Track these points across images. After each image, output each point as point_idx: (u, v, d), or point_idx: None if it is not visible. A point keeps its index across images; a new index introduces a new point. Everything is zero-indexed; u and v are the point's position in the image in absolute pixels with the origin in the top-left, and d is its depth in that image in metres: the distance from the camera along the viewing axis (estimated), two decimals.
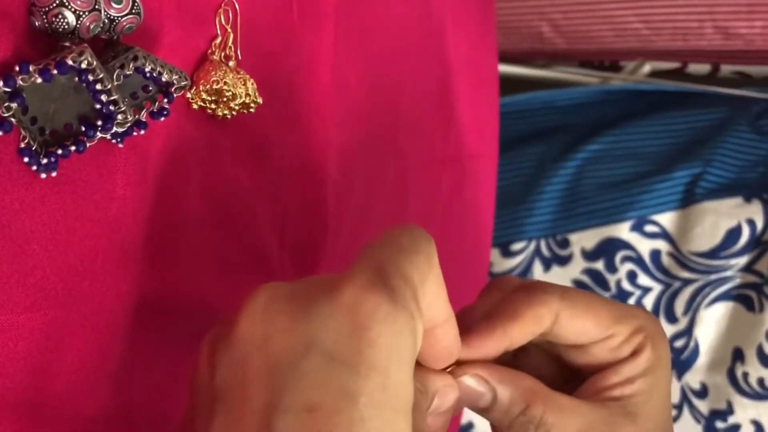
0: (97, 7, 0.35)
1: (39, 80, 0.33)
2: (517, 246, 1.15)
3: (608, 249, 1.12)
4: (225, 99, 0.45)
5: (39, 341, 0.38)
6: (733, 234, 1.07)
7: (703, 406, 1.10)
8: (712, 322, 1.09)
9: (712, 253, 1.08)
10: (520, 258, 1.15)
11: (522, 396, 0.42)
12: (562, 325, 0.42)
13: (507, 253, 1.17)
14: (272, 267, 0.51)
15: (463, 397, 0.42)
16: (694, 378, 1.11)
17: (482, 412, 0.43)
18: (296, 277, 0.52)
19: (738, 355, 1.08)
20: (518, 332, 0.42)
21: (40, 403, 0.38)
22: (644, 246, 1.11)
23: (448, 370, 0.41)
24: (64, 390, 0.39)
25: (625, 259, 1.12)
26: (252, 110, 0.46)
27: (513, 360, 0.45)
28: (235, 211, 0.47)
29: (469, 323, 0.43)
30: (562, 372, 0.45)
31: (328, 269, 0.55)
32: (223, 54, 0.45)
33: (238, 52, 0.46)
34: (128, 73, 0.36)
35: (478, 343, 0.42)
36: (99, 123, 0.36)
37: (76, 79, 0.35)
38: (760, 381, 1.05)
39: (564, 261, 1.14)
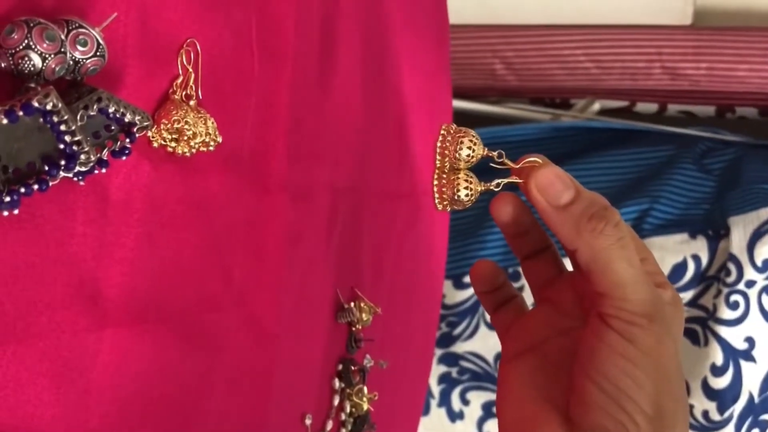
0: (62, 50, 0.36)
1: (5, 121, 0.34)
2: (469, 278, 1.17)
3: None
4: (186, 137, 0.45)
5: None
6: (679, 269, 1.10)
7: None
8: None
9: None
10: (472, 290, 1.16)
11: (598, 197, 0.44)
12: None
13: (460, 285, 1.18)
14: (222, 305, 0.51)
15: (549, 185, 0.44)
16: None
17: (559, 210, 0.44)
18: (245, 320, 0.53)
19: None
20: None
21: None
22: None
23: None
24: (21, 424, 0.39)
25: None
26: (211, 148, 0.47)
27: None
28: (186, 255, 0.48)
29: None
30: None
31: (279, 308, 0.56)
32: (184, 93, 0.46)
33: (199, 92, 0.47)
34: (92, 113, 0.37)
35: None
36: (62, 162, 0.37)
37: (41, 119, 0.35)
38: (705, 413, 1.07)
39: None
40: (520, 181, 0.46)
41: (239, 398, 0.53)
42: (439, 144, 0.48)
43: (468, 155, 0.47)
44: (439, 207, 0.48)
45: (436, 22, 0.82)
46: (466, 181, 0.47)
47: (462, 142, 0.47)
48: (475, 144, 0.47)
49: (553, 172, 0.44)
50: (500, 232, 1.19)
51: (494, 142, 1.24)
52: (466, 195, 0.47)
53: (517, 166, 0.46)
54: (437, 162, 0.48)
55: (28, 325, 0.39)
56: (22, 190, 0.36)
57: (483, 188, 0.47)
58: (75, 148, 0.37)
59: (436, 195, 0.48)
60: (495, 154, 0.47)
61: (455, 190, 0.47)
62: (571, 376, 0.44)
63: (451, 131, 0.47)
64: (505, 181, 0.47)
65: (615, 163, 1.20)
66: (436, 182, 0.48)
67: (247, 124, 0.51)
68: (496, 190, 0.47)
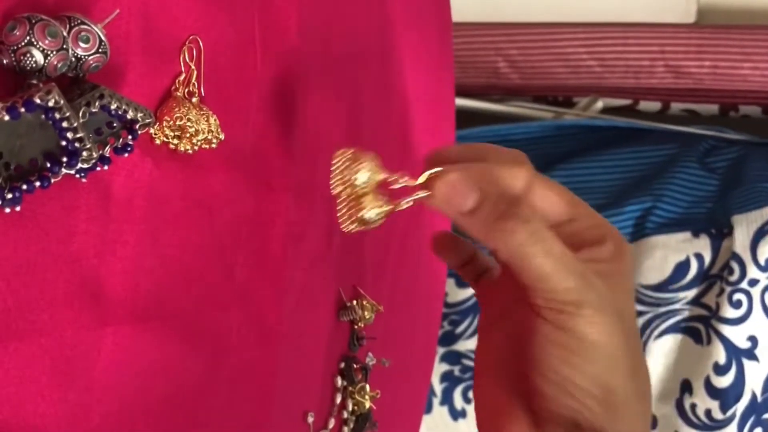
0: (65, 46, 0.36)
1: (6, 118, 0.34)
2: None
3: None
4: (188, 135, 0.45)
5: None
6: (682, 268, 1.10)
7: None
8: (661, 354, 1.11)
9: (662, 287, 1.10)
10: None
11: (507, 195, 0.43)
12: (536, 193, 0.44)
13: (462, 284, 1.18)
14: (225, 303, 0.51)
15: (452, 194, 0.43)
16: None
17: (466, 217, 0.43)
18: (248, 318, 0.53)
19: (686, 387, 1.10)
20: (493, 177, 0.44)
21: None
22: None
23: None
24: (22, 421, 0.39)
25: None
26: (214, 145, 0.47)
27: None
28: (189, 253, 0.48)
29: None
30: None
31: (281, 306, 0.56)
32: (186, 90, 0.46)
33: (201, 89, 0.47)
34: (94, 110, 0.37)
35: (461, 169, 0.44)
36: (64, 159, 0.37)
37: (43, 116, 0.35)
38: (708, 412, 1.07)
39: None
40: (428, 193, 0.44)
41: (241, 396, 0.53)
42: (334, 169, 0.47)
43: (365, 181, 0.46)
44: (350, 227, 0.47)
45: (439, 20, 0.82)
46: (375, 201, 0.46)
47: (359, 168, 0.46)
48: (373, 169, 0.46)
49: (452, 180, 0.43)
50: None
51: (497, 140, 1.24)
52: (377, 214, 0.46)
53: (418, 182, 0.45)
54: (334, 187, 0.47)
55: (29, 323, 0.39)
56: (24, 187, 0.36)
57: (393, 207, 0.46)
58: (77, 145, 0.37)
59: (345, 217, 0.47)
60: (396, 176, 0.46)
61: (364, 212, 0.46)
62: (524, 366, 0.44)
63: (348, 156, 0.47)
64: (413, 198, 0.46)
65: (618, 162, 1.20)
66: (341, 208, 0.47)
67: (250, 121, 0.51)
68: (406, 206, 0.46)
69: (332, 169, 0.47)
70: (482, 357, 0.48)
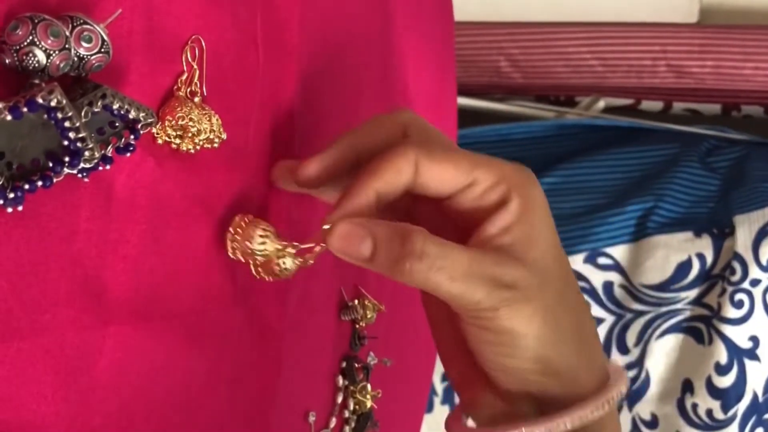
0: (67, 46, 0.36)
1: (9, 117, 0.34)
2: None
3: None
4: (190, 134, 0.45)
5: (0, 373, 0.38)
6: (684, 267, 1.10)
7: None
8: (662, 354, 1.11)
9: (663, 286, 1.10)
10: None
11: (400, 231, 0.42)
12: (423, 174, 0.44)
13: None
14: (227, 302, 0.51)
15: (346, 246, 0.43)
16: (644, 408, 1.13)
17: (368, 263, 0.44)
18: (249, 318, 0.53)
19: (688, 387, 1.10)
20: (382, 185, 0.44)
21: None
22: (597, 278, 1.13)
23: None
24: (24, 421, 0.39)
25: None
26: (216, 145, 0.47)
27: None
28: (190, 252, 0.48)
29: None
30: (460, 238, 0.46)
31: (283, 306, 0.56)
32: (188, 90, 0.46)
33: (203, 88, 0.47)
34: (96, 110, 0.37)
35: (346, 202, 0.44)
36: (66, 159, 0.37)
37: (45, 116, 0.35)
38: (709, 412, 1.07)
39: None
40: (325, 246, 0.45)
41: (242, 396, 0.53)
42: (229, 237, 0.48)
43: (261, 249, 0.47)
44: (268, 279, 0.49)
45: (441, 19, 0.82)
46: (281, 251, 0.47)
47: (253, 235, 0.47)
48: (267, 236, 0.47)
49: (342, 233, 0.43)
50: None
51: (499, 139, 1.24)
52: (292, 263, 0.48)
53: (308, 245, 0.47)
54: (233, 252, 0.48)
55: (31, 322, 0.39)
56: (26, 186, 0.36)
57: (299, 262, 0.48)
58: (79, 144, 0.37)
59: (262, 274, 0.49)
60: (290, 247, 0.47)
61: (276, 264, 0.48)
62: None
63: (244, 223, 0.48)
64: (316, 254, 0.47)
65: (620, 161, 1.20)
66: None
67: (252, 121, 0.51)
68: (312, 262, 0.48)
69: (228, 237, 0.48)
70: (439, 345, 0.51)
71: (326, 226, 0.44)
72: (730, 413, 1.06)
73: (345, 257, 0.44)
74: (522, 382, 0.45)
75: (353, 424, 0.64)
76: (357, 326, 0.65)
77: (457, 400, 1.22)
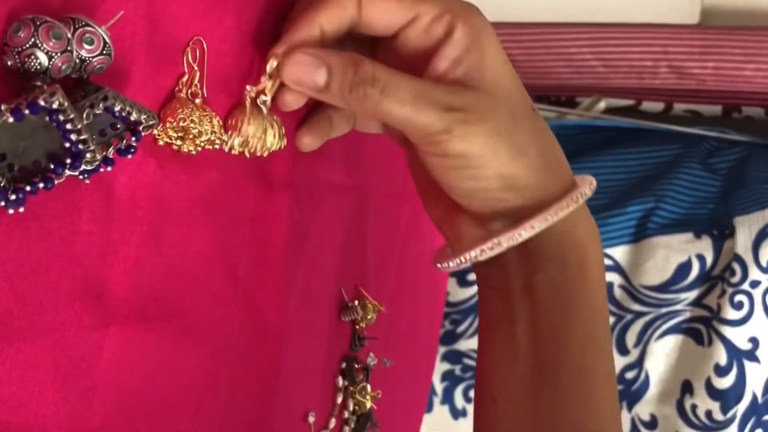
0: (69, 48, 0.36)
1: (11, 119, 0.34)
2: (473, 276, 1.16)
3: None
4: (191, 136, 0.46)
5: (0, 374, 0.38)
6: (684, 269, 1.10)
7: None
8: (662, 355, 1.11)
9: (663, 287, 1.10)
10: (476, 288, 1.16)
11: (353, 59, 0.44)
12: (367, 12, 0.45)
13: (464, 283, 1.18)
14: (227, 302, 0.51)
15: (301, 74, 0.44)
16: (643, 409, 1.13)
17: (322, 93, 0.45)
18: (250, 318, 0.53)
19: (687, 388, 1.10)
20: (325, 19, 0.45)
21: None
22: None
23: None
24: (24, 422, 0.40)
25: None
26: (217, 146, 0.47)
27: None
28: (191, 253, 0.48)
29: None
30: None
31: (283, 306, 0.56)
32: (189, 91, 0.46)
33: (204, 90, 0.47)
34: (98, 112, 0.37)
35: (291, 35, 0.45)
36: (68, 161, 0.37)
37: (47, 118, 0.35)
38: (708, 413, 1.07)
39: None
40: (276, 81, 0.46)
41: (243, 396, 0.54)
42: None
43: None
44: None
45: None
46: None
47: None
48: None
49: (296, 59, 0.44)
50: None
51: None
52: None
53: (268, 72, 0.46)
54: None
55: (32, 323, 0.39)
56: (28, 188, 0.37)
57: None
58: (81, 146, 0.37)
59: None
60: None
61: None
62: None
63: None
64: (268, 89, 0.47)
65: (620, 162, 1.20)
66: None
67: None
68: (269, 97, 0.47)
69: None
70: (419, 190, 0.53)
71: (273, 61, 0.45)
72: (730, 414, 1.06)
73: (299, 87, 0.45)
74: (490, 202, 0.47)
75: (353, 425, 0.65)
76: (357, 327, 0.65)
77: (456, 400, 1.22)
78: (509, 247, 0.47)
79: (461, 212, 0.49)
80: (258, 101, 0.48)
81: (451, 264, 0.50)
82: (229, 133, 0.48)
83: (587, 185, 0.49)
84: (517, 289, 0.48)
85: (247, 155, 0.49)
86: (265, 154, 0.50)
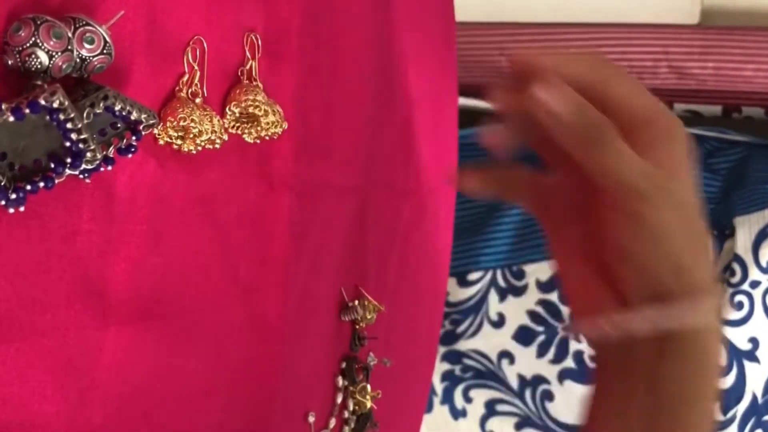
0: (69, 47, 0.36)
1: (11, 118, 0.34)
2: (473, 276, 1.16)
3: None
4: (191, 135, 0.46)
5: (1, 373, 0.38)
6: None
7: None
8: None
9: None
10: (477, 288, 1.16)
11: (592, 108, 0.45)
12: (616, 87, 0.46)
13: (464, 283, 1.18)
14: (227, 302, 0.51)
15: (552, 99, 0.44)
16: None
17: (561, 125, 0.45)
18: (250, 318, 0.53)
19: None
20: (571, 68, 0.46)
21: None
22: None
23: None
24: (25, 421, 0.40)
25: None
26: (217, 146, 0.47)
27: None
28: (191, 253, 0.48)
29: None
30: None
31: (284, 306, 0.56)
32: (190, 91, 0.46)
33: (205, 89, 0.47)
34: (98, 111, 0.37)
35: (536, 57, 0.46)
36: (68, 160, 0.37)
37: (47, 117, 0.35)
38: None
39: (519, 292, 1.15)
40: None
41: (243, 396, 0.54)
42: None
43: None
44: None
45: (443, 19, 0.82)
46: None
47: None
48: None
49: (551, 86, 0.44)
50: (506, 229, 1.18)
51: None
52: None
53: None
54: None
55: (32, 322, 0.39)
56: (28, 187, 0.37)
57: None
58: (81, 145, 0.37)
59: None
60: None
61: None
62: (602, 254, 0.48)
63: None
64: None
65: None
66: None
67: None
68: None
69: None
70: (559, 251, 0.52)
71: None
72: (730, 414, 1.06)
73: (543, 109, 0.44)
74: (650, 284, 0.46)
75: (353, 425, 0.65)
76: (357, 327, 0.65)
77: (456, 400, 1.22)
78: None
79: (604, 289, 0.48)
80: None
81: (611, 325, 0.48)
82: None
83: (717, 292, 0.49)
84: (642, 375, 0.47)
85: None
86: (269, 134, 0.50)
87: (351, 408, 0.64)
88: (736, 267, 1.05)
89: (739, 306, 1.05)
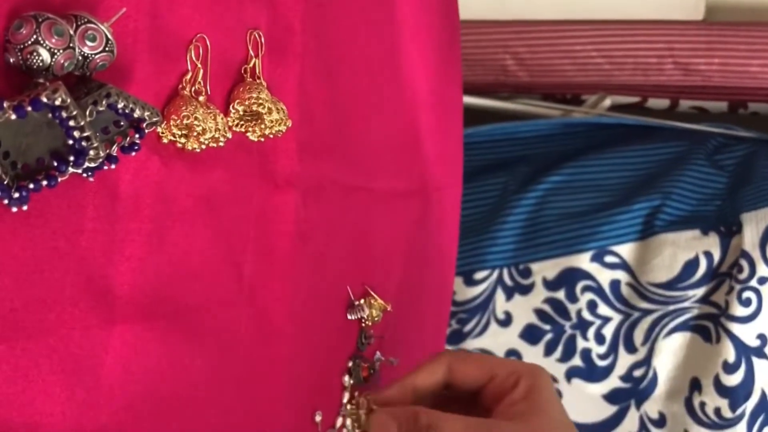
0: (71, 45, 0.36)
1: (13, 116, 0.34)
2: (480, 275, 1.16)
3: (569, 279, 1.13)
4: (195, 133, 0.45)
5: (6, 373, 0.38)
6: (691, 266, 1.09)
7: None
8: (670, 353, 1.11)
9: (670, 285, 1.10)
10: (483, 286, 1.16)
11: (413, 413, 0.51)
12: (456, 373, 0.54)
13: (470, 282, 1.18)
14: (233, 301, 0.51)
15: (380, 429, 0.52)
16: (652, 407, 1.12)
17: None
18: (256, 317, 0.53)
19: (696, 385, 1.09)
20: (420, 381, 0.54)
21: None
22: (604, 276, 1.13)
23: None
24: (30, 420, 0.39)
25: (586, 288, 1.13)
26: (221, 144, 0.47)
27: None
28: (196, 251, 0.48)
29: None
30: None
31: (290, 304, 0.56)
32: (193, 89, 0.46)
33: (208, 87, 0.47)
34: (101, 109, 0.37)
35: (388, 392, 0.54)
36: (71, 158, 0.37)
37: (50, 115, 0.35)
38: (717, 411, 1.07)
39: (526, 290, 1.15)
40: None
41: (249, 395, 0.53)
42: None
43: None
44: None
45: (447, 17, 0.82)
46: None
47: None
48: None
49: (377, 418, 0.52)
50: (512, 227, 1.19)
51: (505, 138, 1.24)
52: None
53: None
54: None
55: (37, 322, 0.39)
56: (31, 186, 0.36)
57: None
58: (84, 143, 0.37)
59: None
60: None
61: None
62: None
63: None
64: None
65: (626, 160, 1.20)
66: None
67: None
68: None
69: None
70: None
71: (363, 399, 0.54)
72: (738, 411, 1.05)
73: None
74: None
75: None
76: (363, 325, 0.65)
77: None
78: None
79: None
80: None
81: None
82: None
83: None
84: None
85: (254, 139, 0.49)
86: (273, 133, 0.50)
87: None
88: (744, 263, 1.05)
89: (747, 302, 1.05)
